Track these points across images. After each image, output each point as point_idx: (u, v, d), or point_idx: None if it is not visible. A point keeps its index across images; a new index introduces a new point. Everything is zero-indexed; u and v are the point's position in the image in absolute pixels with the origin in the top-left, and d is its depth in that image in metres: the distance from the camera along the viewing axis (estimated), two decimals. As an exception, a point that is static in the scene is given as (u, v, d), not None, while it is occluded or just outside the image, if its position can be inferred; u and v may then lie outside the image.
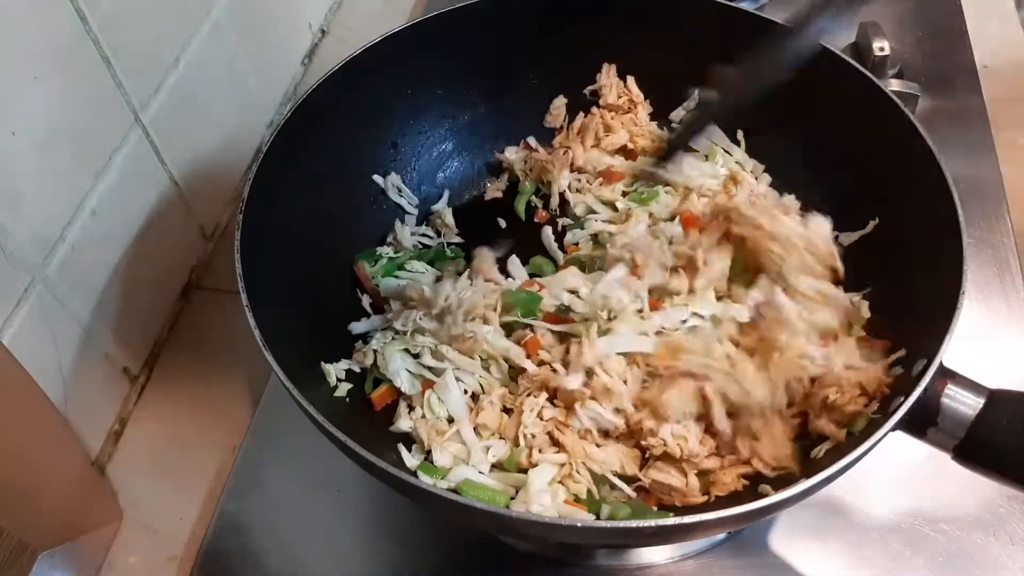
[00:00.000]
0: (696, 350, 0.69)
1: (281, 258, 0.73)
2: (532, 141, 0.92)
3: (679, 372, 0.68)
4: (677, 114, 0.91)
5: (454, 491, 0.66)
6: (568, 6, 0.87)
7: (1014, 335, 0.83)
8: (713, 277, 0.74)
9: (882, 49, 0.98)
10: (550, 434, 0.69)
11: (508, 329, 0.75)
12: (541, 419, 0.70)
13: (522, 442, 0.69)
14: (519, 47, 0.88)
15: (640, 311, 0.73)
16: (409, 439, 0.72)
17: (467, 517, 0.61)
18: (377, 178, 0.87)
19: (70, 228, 0.74)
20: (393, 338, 0.76)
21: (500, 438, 0.71)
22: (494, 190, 0.92)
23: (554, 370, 0.71)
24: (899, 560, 0.71)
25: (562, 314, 0.75)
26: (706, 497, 0.67)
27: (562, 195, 0.89)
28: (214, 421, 0.84)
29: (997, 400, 0.58)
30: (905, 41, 1.06)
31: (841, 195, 0.79)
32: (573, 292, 0.75)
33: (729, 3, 0.83)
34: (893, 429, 0.57)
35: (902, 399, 0.57)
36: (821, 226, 0.74)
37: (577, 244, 0.84)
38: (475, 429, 0.71)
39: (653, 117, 0.92)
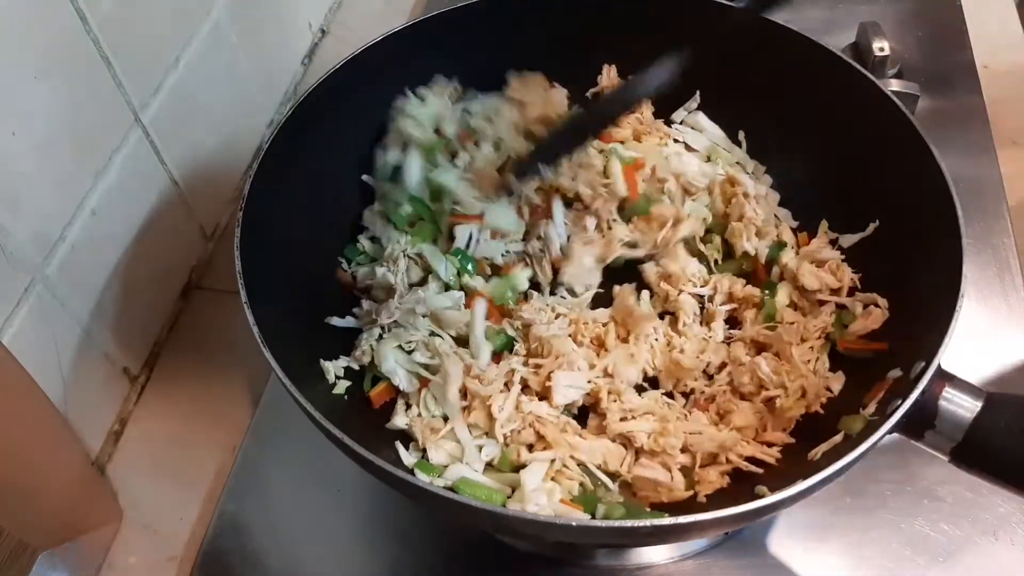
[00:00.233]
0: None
1: (281, 257, 0.73)
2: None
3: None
4: (678, 115, 0.91)
5: (451, 489, 0.66)
6: (568, 6, 0.87)
7: (1014, 335, 0.83)
8: None
9: (882, 49, 0.98)
10: (532, 427, 0.69)
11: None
12: (519, 411, 0.70)
13: (500, 438, 0.69)
14: (519, 47, 0.88)
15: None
16: (407, 437, 0.72)
17: (465, 516, 0.61)
18: (367, 178, 0.86)
19: (70, 228, 0.74)
20: (382, 336, 0.76)
21: (490, 436, 0.71)
22: None
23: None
24: (899, 560, 0.71)
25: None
26: (692, 492, 0.67)
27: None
28: (214, 421, 0.84)
29: (995, 403, 0.58)
30: (905, 41, 1.06)
31: (841, 196, 0.80)
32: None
33: (729, 3, 0.83)
34: (891, 431, 0.57)
35: (900, 401, 0.57)
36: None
37: None
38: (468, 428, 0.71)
39: (655, 117, 0.91)
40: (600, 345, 0.76)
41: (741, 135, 0.88)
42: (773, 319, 0.77)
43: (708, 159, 0.88)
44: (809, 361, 0.73)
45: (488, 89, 0.89)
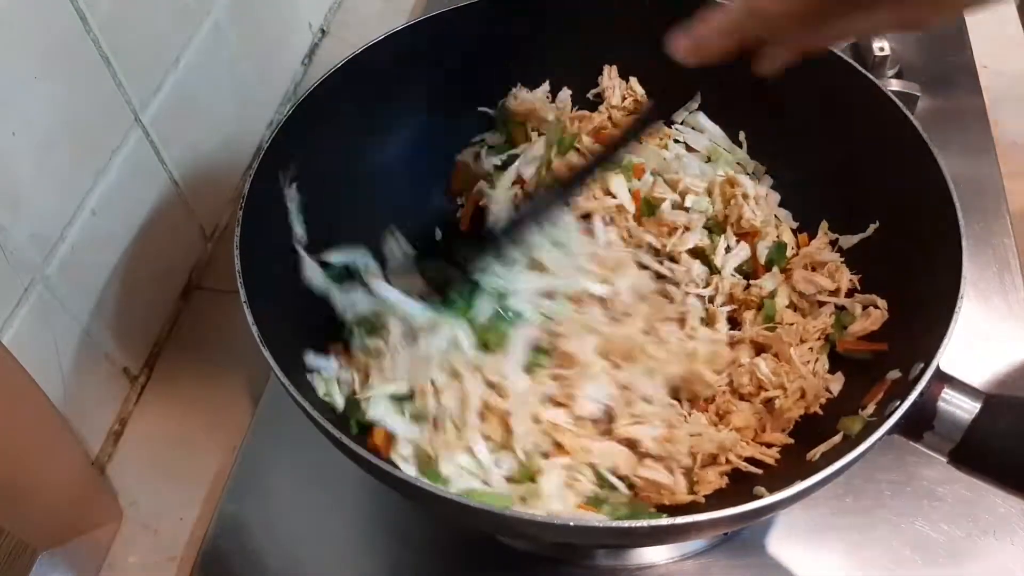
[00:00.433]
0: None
1: (280, 257, 0.73)
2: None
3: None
4: (679, 115, 0.90)
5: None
6: (569, 6, 0.87)
7: (1014, 336, 0.83)
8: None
9: (882, 49, 0.98)
10: (549, 435, 0.69)
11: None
12: (538, 421, 0.69)
13: (521, 455, 0.67)
14: (520, 47, 0.88)
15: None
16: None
17: (464, 516, 0.61)
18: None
19: (70, 228, 0.74)
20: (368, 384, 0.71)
21: (506, 450, 0.69)
22: None
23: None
24: (899, 560, 0.71)
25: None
26: (693, 496, 0.67)
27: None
28: (214, 421, 0.84)
29: (993, 405, 0.58)
30: (905, 41, 1.06)
31: (841, 196, 0.79)
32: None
33: (729, 3, 0.83)
34: (889, 432, 0.57)
35: (898, 403, 0.57)
36: None
37: None
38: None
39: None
40: (624, 358, 0.74)
41: (742, 135, 0.88)
42: (772, 320, 0.77)
43: (708, 160, 0.88)
44: (808, 362, 0.73)
45: (488, 88, 0.89)
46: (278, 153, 0.73)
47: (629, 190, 0.85)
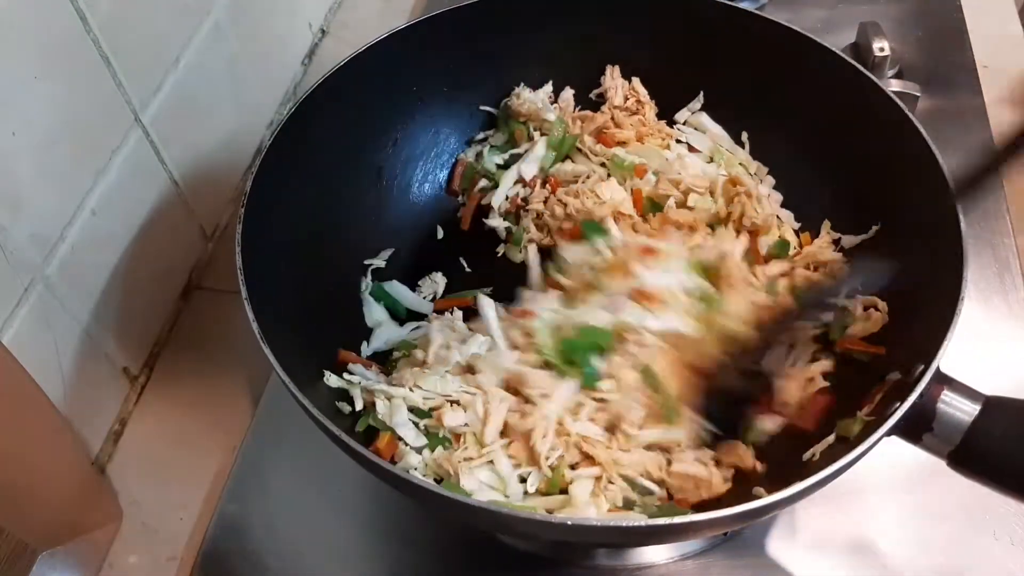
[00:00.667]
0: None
1: (281, 256, 0.73)
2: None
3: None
4: (682, 115, 0.91)
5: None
6: (569, 5, 0.87)
7: (1014, 336, 0.83)
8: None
9: (882, 49, 0.98)
10: (579, 448, 0.68)
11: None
12: (568, 434, 0.68)
13: (546, 469, 0.67)
14: (520, 47, 0.88)
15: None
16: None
17: (464, 515, 0.61)
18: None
19: (70, 228, 0.74)
20: (390, 397, 0.71)
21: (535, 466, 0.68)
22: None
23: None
24: (899, 560, 0.71)
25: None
26: (729, 486, 0.67)
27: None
28: (214, 421, 0.84)
29: (993, 407, 0.58)
30: (905, 41, 1.06)
31: (842, 196, 0.80)
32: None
33: (729, 3, 0.83)
34: (888, 434, 0.57)
35: (897, 404, 0.57)
36: None
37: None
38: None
39: (658, 118, 0.91)
40: None
41: (744, 136, 0.88)
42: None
43: (711, 160, 0.88)
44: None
45: (489, 87, 0.90)
46: (279, 153, 0.73)
47: (631, 189, 0.85)
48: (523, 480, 0.67)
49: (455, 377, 0.72)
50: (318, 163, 0.80)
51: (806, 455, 0.65)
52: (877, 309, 0.73)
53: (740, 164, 0.87)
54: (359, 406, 0.71)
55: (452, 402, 0.70)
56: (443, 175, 0.92)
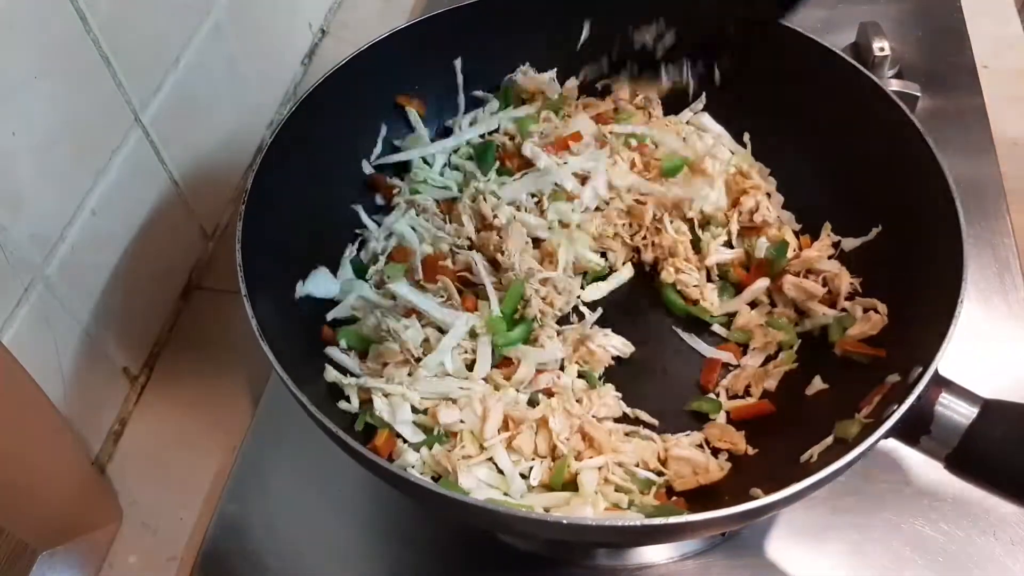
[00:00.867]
0: None
1: (281, 255, 0.73)
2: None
3: None
4: (684, 115, 0.91)
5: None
6: (569, 5, 0.87)
7: (1014, 336, 0.83)
8: None
9: (882, 49, 0.98)
10: (581, 431, 0.69)
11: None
12: (570, 414, 0.69)
13: (563, 448, 0.67)
14: (519, 47, 0.88)
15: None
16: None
17: (462, 514, 0.61)
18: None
19: (70, 228, 0.74)
20: (388, 394, 0.71)
21: (538, 458, 0.69)
22: None
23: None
24: (899, 560, 0.71)
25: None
26: (725, 472, 0.68)
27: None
28: (214, 421, 0.84)
29: (991, 410, 0.58)
30: (905, 41, 1.06)
31: (842, 196, 0.80)
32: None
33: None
34: (886, 436, 0.57)
35: (895, 406, 0.57)
36: None
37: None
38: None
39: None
40: None
41: (746, 137, 0.88)
42: None
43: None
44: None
45: (489, 88, 0.90)
46: (279, 153, 0.73)
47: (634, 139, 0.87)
48: (524, 476, 0.68)
49: (451, 378, 0.72)
50: (318, 163, 0.80)
51: (804, 456, 0.65)
52: (877, 311, 0.73)
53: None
54: (354, 402, 0.71)
55: (449, 399, 0.71)
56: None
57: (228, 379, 0.86)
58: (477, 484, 0.67)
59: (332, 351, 0.75)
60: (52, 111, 0.70)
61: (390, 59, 0.82)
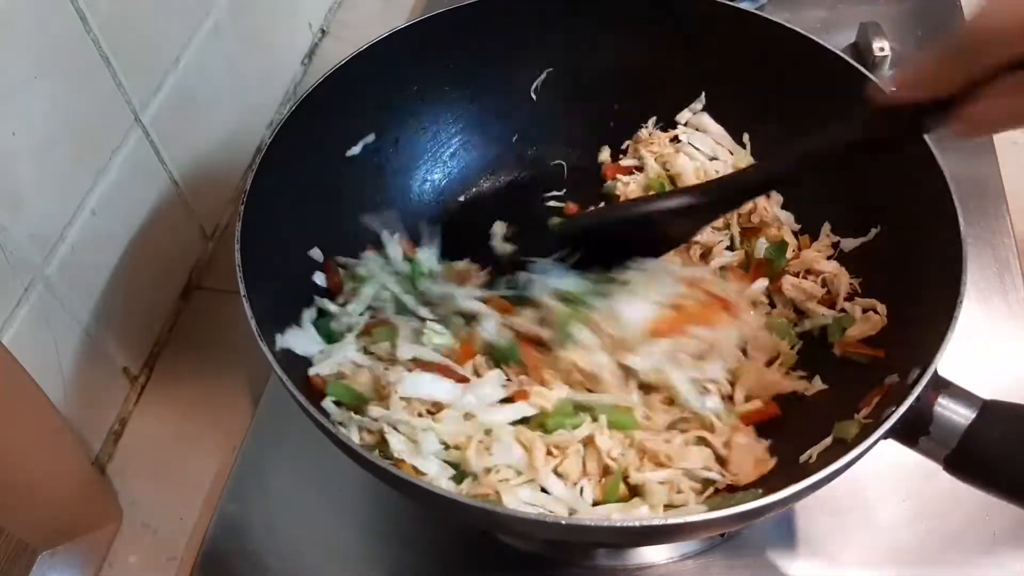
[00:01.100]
0: None
1: (281, 255, 0.73)
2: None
3: None
4: (683, 116, 0.90)
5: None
6: (569, 5, 0.87)
7: (1014, 336, 0.83)
8: None
9: (882, 49, 0.98)
10: (638, 446, 0.67)
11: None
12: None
13: (614, 466, 0.65)
14: (519, 47, 0.88)
15: None
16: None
17: (462, 515, 0.61)
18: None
19: (70, 228, 0.74)
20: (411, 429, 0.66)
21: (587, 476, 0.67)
22: None
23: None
24: (899, 560, 0.71)
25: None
26: (774, 462, 0.67)
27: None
28: (214, 421, 0.84)
29: (990, 411, 0.58)
30: (905, 41, 1.06)
31: (841, 197, 0.79)
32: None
33: (729, 3, 0.83)
34: (884, 437, 0.56)
35: (894, 407, 0.57)
36: None
37: None
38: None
39: (657, 120, 0.92)
40: None
41: (746, 137, 0.88)
42: None
43: (714, 159, 0.88)
44: None
45: (489, 87, 0.90)
46: (279, 153, 0.73)
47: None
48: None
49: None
50: (318, 163, 0.80)
51: (803, 456, 0.65)
52: (876, 312, 0.73)
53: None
54: (356, 441, 0.65)
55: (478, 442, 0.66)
56: (443, 176, 0.91)
57: (228, 379, 0.86)
58: (521, 504, 0.63)
59: (327, 404, 0.68)
60: (52, 111, 0.70)
61: (390, 59, 0.82)
